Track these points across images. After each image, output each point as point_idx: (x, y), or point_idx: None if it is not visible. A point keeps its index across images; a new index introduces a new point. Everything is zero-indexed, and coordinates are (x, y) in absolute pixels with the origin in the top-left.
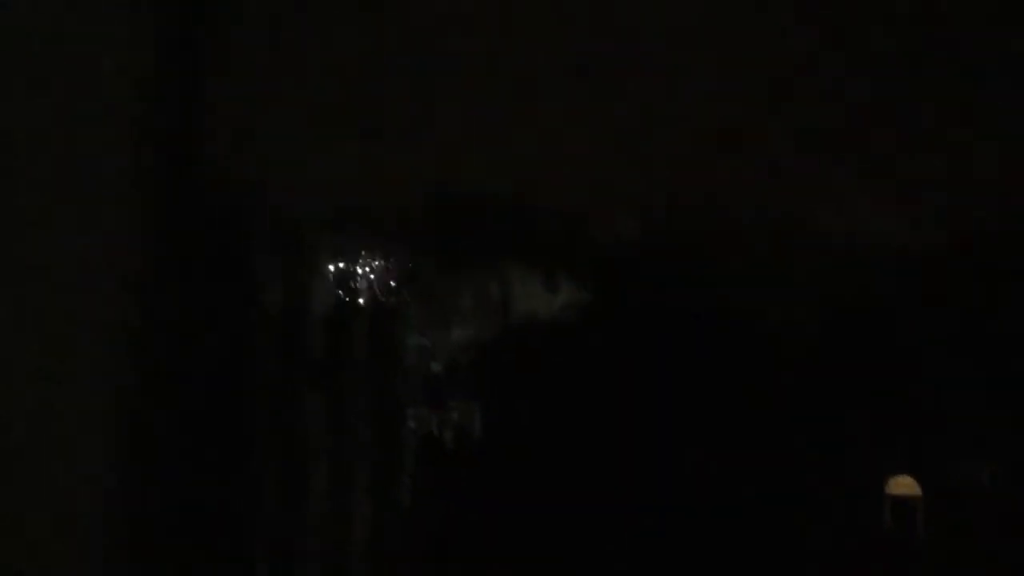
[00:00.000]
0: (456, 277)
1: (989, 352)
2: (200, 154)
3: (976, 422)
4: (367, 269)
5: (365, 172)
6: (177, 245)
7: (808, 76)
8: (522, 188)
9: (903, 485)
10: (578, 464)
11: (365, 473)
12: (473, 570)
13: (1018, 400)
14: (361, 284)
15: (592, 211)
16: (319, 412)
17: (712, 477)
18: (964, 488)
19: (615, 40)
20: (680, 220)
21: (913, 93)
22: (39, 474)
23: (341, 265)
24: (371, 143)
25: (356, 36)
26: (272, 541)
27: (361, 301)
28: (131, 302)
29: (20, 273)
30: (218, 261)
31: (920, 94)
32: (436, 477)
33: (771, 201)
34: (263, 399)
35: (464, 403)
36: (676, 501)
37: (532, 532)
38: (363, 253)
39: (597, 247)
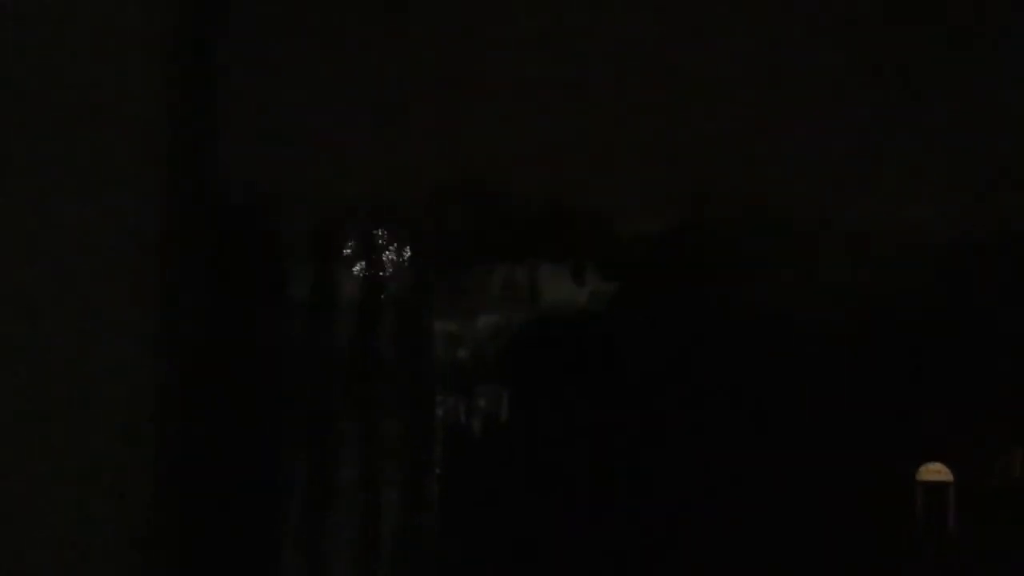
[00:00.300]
0: (484, 267)
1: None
2: (221, 153)
3: (1007, 409)
4: (395, 259)
5: (395, 164)
6: (200, 238)
7: (839, 68)
8: (550, 180)
9: (934, 472)
10: (605, 452)
11: (394, 460)
12: (501, 556)
13: None
14: (389, 274)
15: (620, 202)
16: (347, 401)
17: (741, 466)
18: (995, 474)
19: (643, 35)
20: (708, 213)
21: (950, 84)
22: (62, 474)
23: (368, 255)
24: (401, 136)
25: (388, 29)
26: (301, 528)
27: (388, 291)
28: (154, 299)
29: (38, 274)
30: (244, 254)
31: (958, 84)
32: (463, 463)
33: (800, 194)
34: (290, 391)
35: (491, 390)
36: (704, 488)
37: (558, 519)
38: (392, 244)
39: (624, 238)
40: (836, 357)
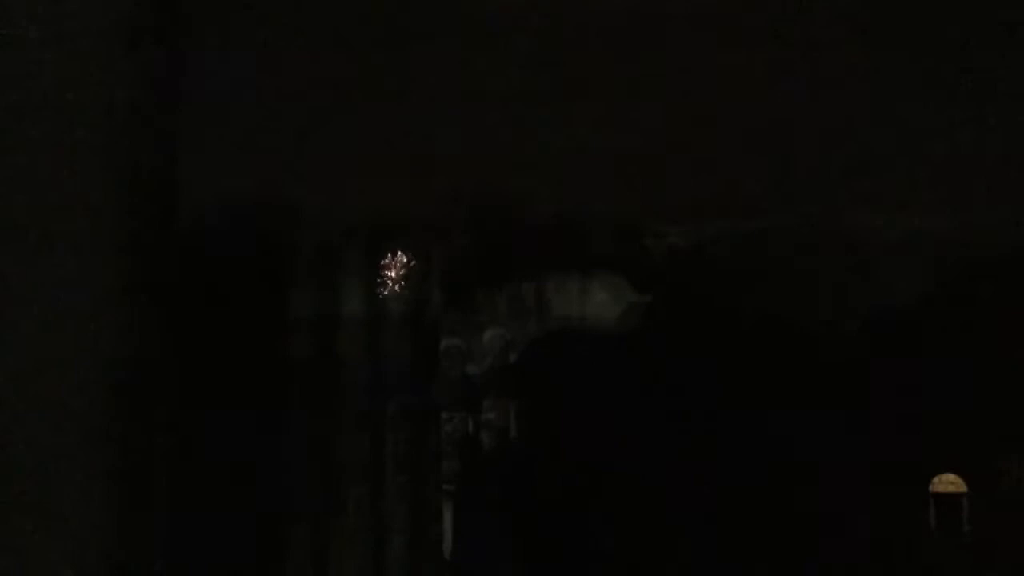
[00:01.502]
0: (503, 282)
1: None
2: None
3: (1021, 419)
4: (404, 274)
5: (404, 178)
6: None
7: (855, 82)
8: (562, 194)
9: (948, 483)
10: (623, 463)
11: (403, 475)
12: (509, 566)
13: None
14: (398, 289)
15: (635, 217)
16: (356, 416)
17: (758, 477)
18: (1009, 484)
19: (662, 48)
20: (726, 226)
21: (967, 93)
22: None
23: (379, 270)
24: (411, 149)
25: (398, 48)
26: (309, 542)
27: (397, 306)
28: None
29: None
30: (256, 269)
31: (975, 94)
32: (472, 476)
33: (816, 205)
34: (298, 405)
35: (499, 403)
36: (720, 499)
37: (569, 530)
38: (401, 258)
39: (638, 252)
40: (853, 370)
